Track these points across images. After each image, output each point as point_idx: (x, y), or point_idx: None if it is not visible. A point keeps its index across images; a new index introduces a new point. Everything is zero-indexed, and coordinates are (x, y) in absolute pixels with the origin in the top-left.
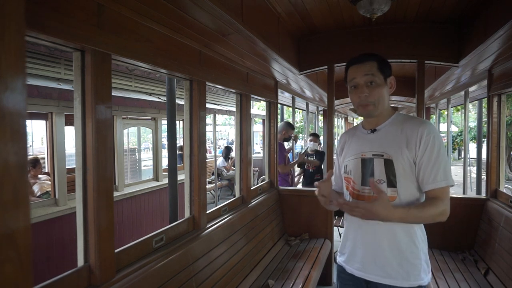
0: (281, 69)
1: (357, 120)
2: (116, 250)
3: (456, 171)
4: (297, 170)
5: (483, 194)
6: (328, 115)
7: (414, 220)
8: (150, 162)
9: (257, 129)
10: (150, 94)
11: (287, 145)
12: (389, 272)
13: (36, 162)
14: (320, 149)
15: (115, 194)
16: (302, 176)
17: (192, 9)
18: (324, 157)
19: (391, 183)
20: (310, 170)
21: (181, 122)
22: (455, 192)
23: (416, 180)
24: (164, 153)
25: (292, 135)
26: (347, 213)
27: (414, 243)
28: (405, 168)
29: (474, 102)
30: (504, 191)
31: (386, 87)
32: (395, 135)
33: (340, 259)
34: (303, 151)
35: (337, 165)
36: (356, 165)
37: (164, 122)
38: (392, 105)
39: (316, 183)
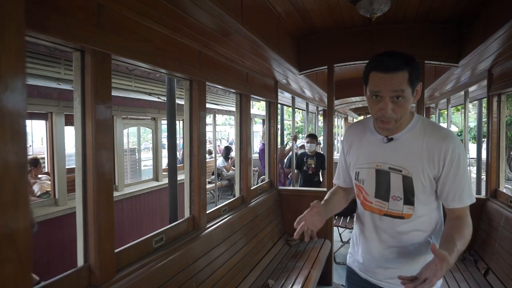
0: (281, 69)
1: (357, 120)
2: (116, 250)
3: None
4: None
5: (483, 194)
6: (328, 115)
7: (463, 249)
8: (150, 162)
9: (257, 129)
10: (150, 94)
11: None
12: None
13: (36, 162)
14: (321, 151)
15: (115, 194)
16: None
17: (192, 9)
18: (324, 161)
19: (409, 200)
20: (310, 172)
21: (181, 122)
22: None
23: (434, 195)
24: (164, 153)
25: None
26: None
27: (428, 251)
28: (424, 185)
29: (474, 102)
30: (504, 191)
31: (412, 98)
32: (416, 148)
33: (351, 262)
34: (284, 145)
35: (343, 162)
36: (370, 176)
37: (164, 122)
38: None
39: (299, 217)
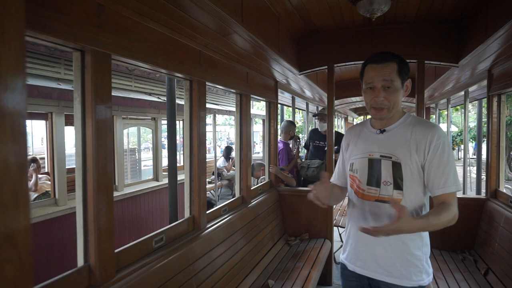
0: (281, 69)
1: (357, 120)
2: (116, 250)
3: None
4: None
5: (483, 194)
6: (328, 115)
7: (432, 228)
8: (150, 162)
9: (257, 129)
10: (150, 94)
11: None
12: (392, 272)
13: (32, 161)
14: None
15: (115, 194)
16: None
17: (192, 9)
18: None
19: (398, 185)
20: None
21: (181, 122)
22: None
23: (422, 184)
24: (164, 153)
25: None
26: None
27: (418, 246)
28: (412, 172)
29: (474, 102)
30: (504, 191)
31: (402, 91)
32: (405, 138)
33: (342, 257)
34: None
35: (341, 160)
36: (363, 165)
37: (164, 122)
38: None
39: (310, 185)
